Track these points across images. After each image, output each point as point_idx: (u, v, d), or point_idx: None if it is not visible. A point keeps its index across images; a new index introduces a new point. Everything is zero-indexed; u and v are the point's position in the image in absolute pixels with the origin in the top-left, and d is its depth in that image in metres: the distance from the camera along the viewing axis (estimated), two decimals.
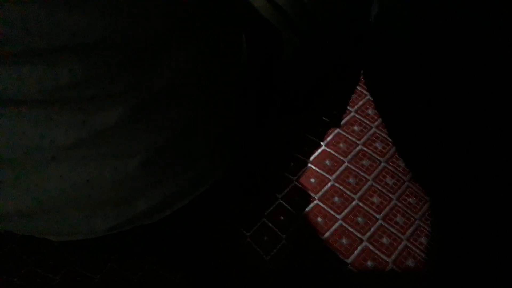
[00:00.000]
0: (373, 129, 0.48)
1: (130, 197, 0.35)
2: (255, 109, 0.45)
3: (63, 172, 0.31)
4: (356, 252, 0.40)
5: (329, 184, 0.44)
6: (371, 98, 0.51)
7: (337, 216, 0.42)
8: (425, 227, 0.41)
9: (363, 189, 0.44)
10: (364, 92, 0.51)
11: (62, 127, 0.28)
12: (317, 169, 0.45)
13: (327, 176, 0.45)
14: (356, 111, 0.49)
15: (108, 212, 0.35)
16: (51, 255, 0.41)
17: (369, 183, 0.44)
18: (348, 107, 0.50)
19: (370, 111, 0.50)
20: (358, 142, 0.47)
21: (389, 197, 0.43)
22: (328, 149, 0.47)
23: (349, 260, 0.40)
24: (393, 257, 0.39)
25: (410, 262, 0.39)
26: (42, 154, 0.29)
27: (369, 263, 0.39)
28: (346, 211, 0.43)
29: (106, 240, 0.41)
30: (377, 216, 0.42)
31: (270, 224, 0.42)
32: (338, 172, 0.45)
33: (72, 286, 0.40)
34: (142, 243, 0.41)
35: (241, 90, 0.40)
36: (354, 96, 0.51)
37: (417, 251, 0.39)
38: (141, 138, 0.31)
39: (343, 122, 0.49)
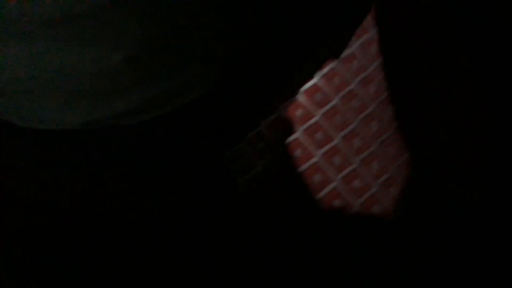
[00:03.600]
0: (371, 69, 0.46)
1: (109, 94, 0.33)
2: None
3: (35, 51, 0.28)
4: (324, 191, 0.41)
5: (314, 119, 0.43)
6: (377, 33, 0.47)
7: (313, 152, 0.42)
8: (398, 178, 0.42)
9: (347, 129, 0.43)
10: (371, 25, 0.48)
11: None
12: (305, 101, 0.44)
13: (313, 110, 0.44)
14: (359, 46, 0.46)
15: (83, 105, 0.33)
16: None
17: (353, 124, 0.43)
18: (353, 39, 0.47)
19: (373, 48, 0.47)
20: (351, 80, 0.45)
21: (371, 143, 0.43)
22: (321, 82, 0.45)
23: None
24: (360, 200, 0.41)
25: (375, 208, 0.40)
26: (10, 27, 0.26)
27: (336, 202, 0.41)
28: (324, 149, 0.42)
29: (80, 134, 0.40)
30: (355, 159, 0.42)
31: (249, 149, 0.42)
32: (325, 109, 0.44)
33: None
34: (123, 143, 0.40)
35: None
36: (358, 29, 0.47)
37: (386, 200, 0.41)
38: (127, 28, 0.29)
39: (342, 55, 0.46)
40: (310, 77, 0.45)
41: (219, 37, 0.36)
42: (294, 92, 0.44)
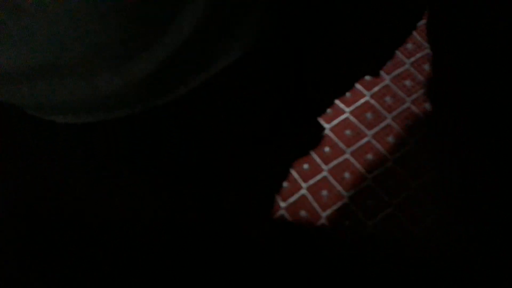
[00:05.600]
0: (426, 87, 0.42)
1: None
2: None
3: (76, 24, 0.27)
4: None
5: (365, 139, 0.40)
6: (430, 52, 0.44)
7: (365, 175, 0.38)
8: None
9: (402, 151, 0.39)
10: (424, 44, 0.45)
11: None
12: (354, 121, 0.41)
13: (364, 130, 0.40)
14: (411, 64, 0.43)
15: (113, 68, 0.32)
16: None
17: (410, 145, 0.40)
18: (404, 58, 0.44)
19: (426, 67, 0.43)
20: (406, 99, 0.42)
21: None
22: (372, 101, 0.42)
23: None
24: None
25: None
26: None
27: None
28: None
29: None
30: (411, 183, 0.38)
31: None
32: (377, 129, 0.40)
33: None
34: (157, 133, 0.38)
35: None
36: (412, 46, 0.44)
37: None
38: None
39: (394, 73, 0.43)
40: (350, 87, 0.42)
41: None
42: (330, 104, 0.41)
